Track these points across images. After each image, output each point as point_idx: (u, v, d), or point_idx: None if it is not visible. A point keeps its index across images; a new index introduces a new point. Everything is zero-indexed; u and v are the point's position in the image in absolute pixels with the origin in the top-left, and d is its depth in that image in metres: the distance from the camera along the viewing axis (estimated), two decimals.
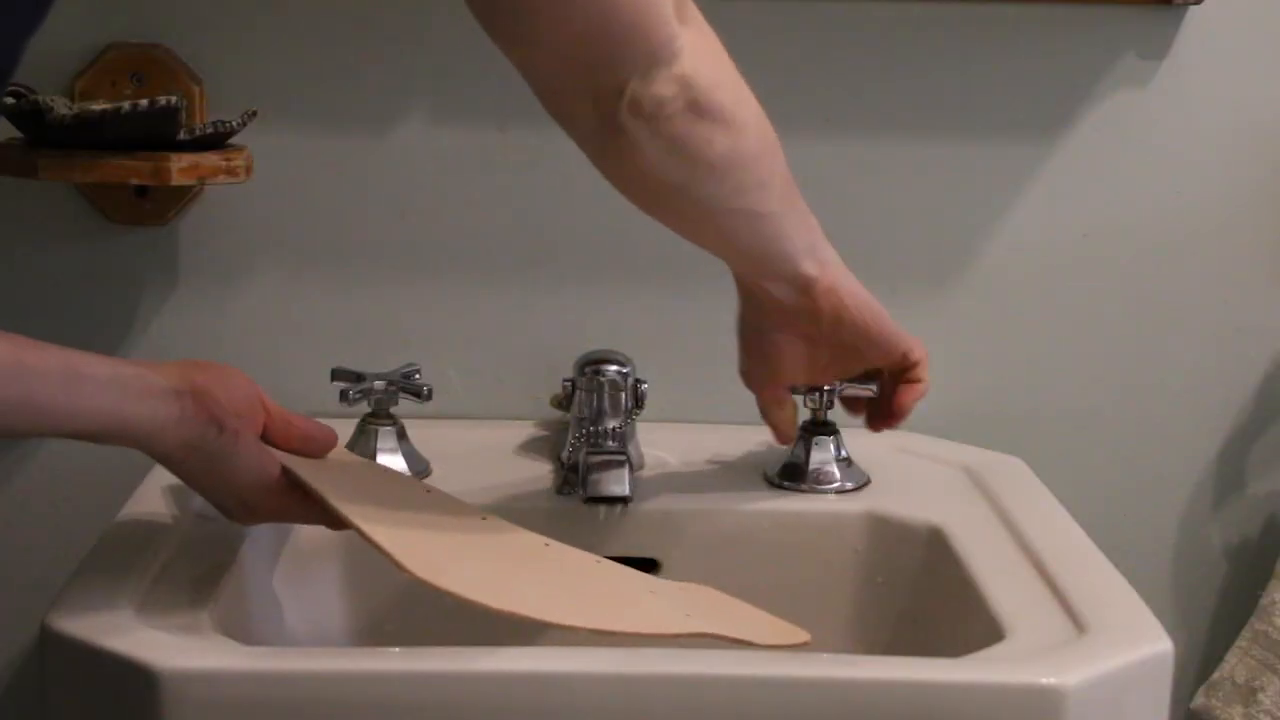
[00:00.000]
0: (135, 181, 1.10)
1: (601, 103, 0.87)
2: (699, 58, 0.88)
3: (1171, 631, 0.85)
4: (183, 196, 1.19)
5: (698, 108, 0.87)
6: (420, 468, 1.09)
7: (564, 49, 0.86)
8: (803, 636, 0.92)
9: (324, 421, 0.92)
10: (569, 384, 1.09)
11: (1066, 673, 0.77)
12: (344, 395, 1.05)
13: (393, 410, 1.09)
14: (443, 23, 1.17)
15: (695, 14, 0.90)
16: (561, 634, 0.82)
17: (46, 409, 0.76)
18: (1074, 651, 0.81)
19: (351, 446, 1.07)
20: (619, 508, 1.04)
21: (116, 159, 1.08)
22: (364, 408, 1.08)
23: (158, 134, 1.07)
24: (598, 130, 0.89)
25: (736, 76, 0.91)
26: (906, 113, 1.20)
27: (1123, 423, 1.25)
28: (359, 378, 1.07)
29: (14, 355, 0.75)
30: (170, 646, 0.78)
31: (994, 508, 1.05)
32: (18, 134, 1.12)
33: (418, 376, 1.09)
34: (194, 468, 0.83)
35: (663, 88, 0.86)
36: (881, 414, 1.07)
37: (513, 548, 0.91)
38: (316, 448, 0.90)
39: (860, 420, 1.10)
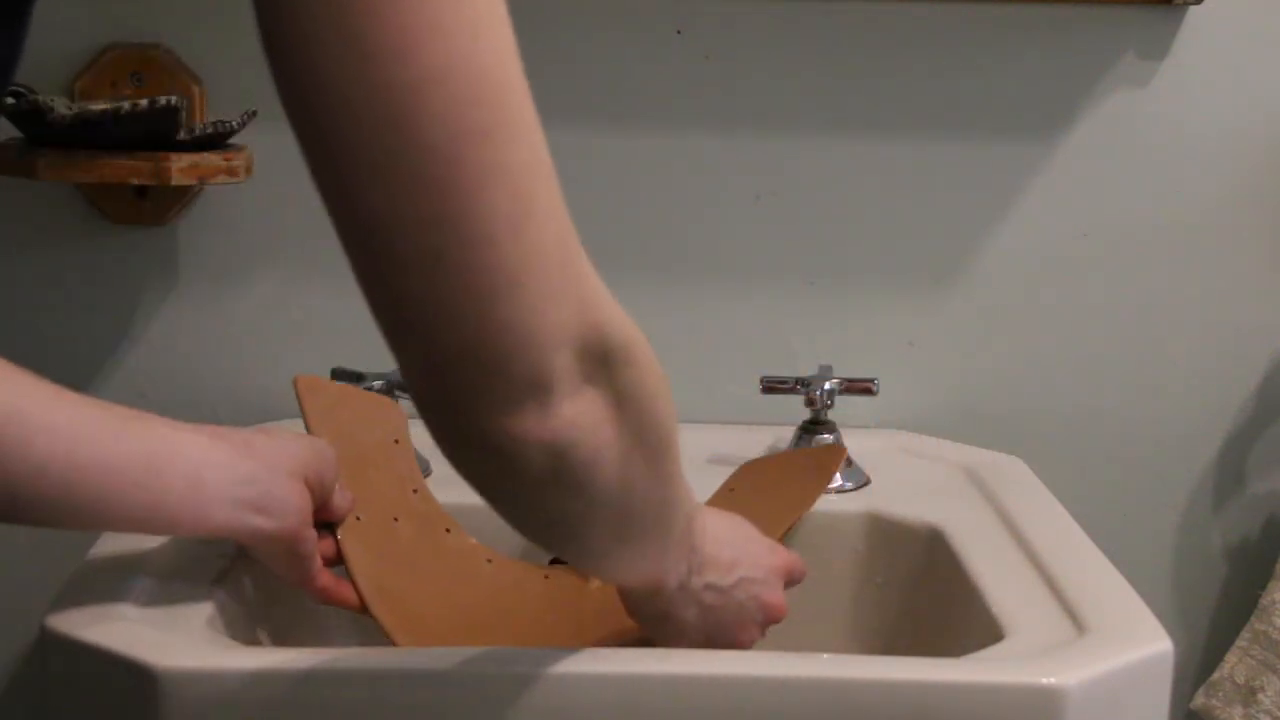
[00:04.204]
0: (135, 181, 1.10)
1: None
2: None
3: (1171, 631, 0.85)
4: (182, 196, 1.19)
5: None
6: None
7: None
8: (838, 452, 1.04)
9: None
10: None
11: (1066, 673, 0.77)
12: None
13: None
14: None
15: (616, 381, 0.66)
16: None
17: (174, 520, 0.79)
18: (1074, 651, 0.81)
19: None
20: None
21: (116, 159, 1.08)
22: None
23: (158, 134, 1.07)
24: None
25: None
26: (906, 113, 1.20)
27: (1123, 423, 1.25)
28: (359, 377, 1.07)
29: (146, 460, 0.76)
30: (170, 646, 0.78)
31: (994, 508, 1.05)
32: (18, 134, 1.12)
33: None
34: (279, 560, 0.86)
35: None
36: None
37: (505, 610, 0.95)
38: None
39: (860, 421, 1.10)
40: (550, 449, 0.63)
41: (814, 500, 1.05)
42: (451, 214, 0.58)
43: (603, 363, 0.64)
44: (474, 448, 0.64)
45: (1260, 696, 1.15)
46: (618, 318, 0.66)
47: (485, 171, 0.58)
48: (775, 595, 0.88)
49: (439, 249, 0.58)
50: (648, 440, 0.69)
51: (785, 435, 1.15)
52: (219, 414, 1.21)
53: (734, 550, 0.85)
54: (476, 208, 0.58)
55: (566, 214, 0.62)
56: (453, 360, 0.61)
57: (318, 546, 0.86)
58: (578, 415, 0.63)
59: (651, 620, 0.84)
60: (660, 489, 0.72)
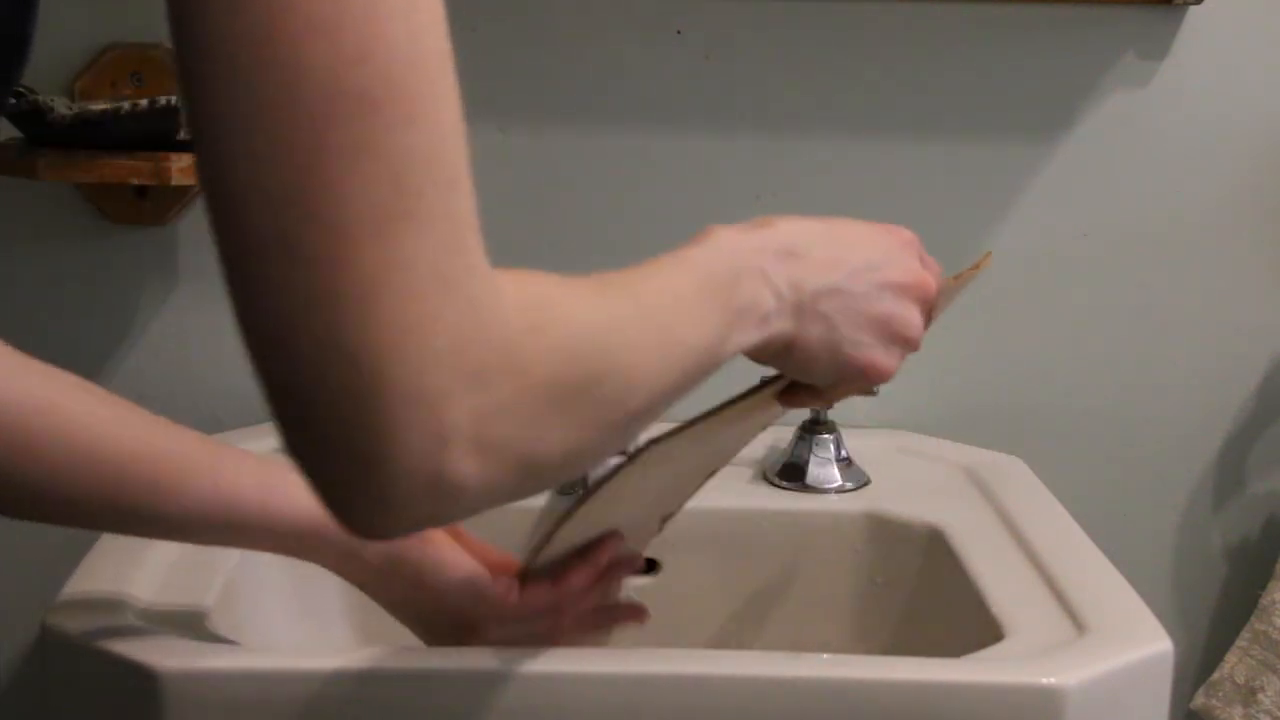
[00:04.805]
0: (135, 181, 1.10)
1: None
2: None
3: (1171, 631, 0.85)
4: (182, 196, 1.19)
5: None
6: None
7: None
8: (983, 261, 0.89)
9: None
10: None
11: (1066, 673, 0.77)
12: None
13: None
14: None
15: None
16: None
17: (243, 522, 0.75)
18: (1074, 651, 0.81)
19: None
20: None
21: (116, 159, 1.08)
22: None
23: (158, 134, 1.07)
24: None
25: None
26: (906, 113, 1.20)
27: (1123, 423, 1.25)
28: None
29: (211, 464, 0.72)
30: (170, 646, 0.78)
31: (994, 508, 1.05)
32: (18, 134, 1.12)
33: None
34: (398, 583, 0.80)
35: None
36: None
37: None
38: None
39: (859, 421, 1.10)
40: (472, 495, 0.54)
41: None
42: (311, 190, 0.50)
43: (509, 371, 0.54)
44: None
45: (1260, 696, 1.15)
46: (507, 302, 0.56)
47: (360, 149, 0.50)
48: (907, 270, 0.76)
49: (293, 236, 0.50)
50: (601, 378, 0.59)
51: (785, 435, 1.15)
52: (219, 414, 1.21)
53: (830, 245, 0.75)
54: (341, 190, 0.50)
55: (470, 230, 0.55)
56: (312, 405, 0.51)
57: None
58: (485, 454, 0.53)
59: (780, 360, 0.73)
60: (653, 364, 0.63)
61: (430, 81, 0.52)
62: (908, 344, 0.76)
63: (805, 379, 0.76)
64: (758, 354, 0.72)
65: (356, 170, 0.50)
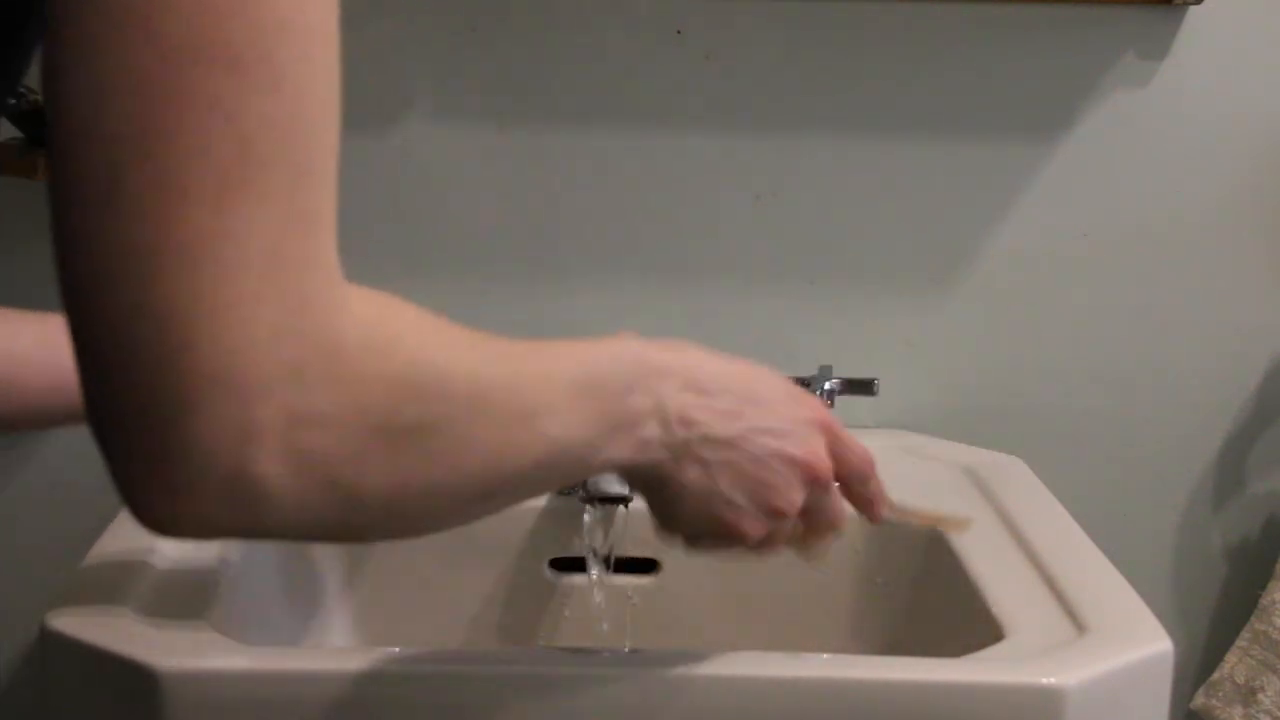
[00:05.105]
0: None
1: None
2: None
3: (1171, 631, 0.85)
4: None
5: None
6: None
7: None
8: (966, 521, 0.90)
9: None
10: None
11: (1066, 673, 0.77)
12: None
13: None
14: (442, 23, 1.17)
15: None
16: (563, 634, 0.82)
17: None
18: (1074, 651, 0.81)
19: None
20: (619, 507, 1.04)
21: None
22: None
23: None
24: None
25: None
26: (907, 113, 1.20)
27: (1123, 423, 1.25)
28: None
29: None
30: (170, 646, 0.78)
31: (994, 508, 1.05)
32: (18, 134, 1.12)
33: None
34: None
35: None
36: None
37: None
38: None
39: (860, 421, 1.10)
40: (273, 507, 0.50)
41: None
42: (151, 132, 0.46)
43: (331, 379, 0.51)
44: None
45: (1260, 696, 1.15)
46: (350, 312, 0.53)
47: (212, 102, 0.47)
48: (807, 448, 0.71)
49: (122, 177, 0.46)
50: (430, 410, 0.56)
51: None
52: None
53: (738, 396, 0.70)
54: (183, 140, 0.46)
55: (321, 227, 0.52)
56: (116, 368, 0.48)
57: None
58: (292, 462, 0.50)
59: (652, 491, 0.70)
60: (495, 434, 0.58)
61: (305, 58, 0.50)
62: (779, 518, 0.71)
63: (667, 519, 0.71)
64: (630, 476, 0.69)
65: (203, 123, 0.47)
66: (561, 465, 0.62)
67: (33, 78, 1.12)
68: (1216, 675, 1.18)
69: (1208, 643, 1.27)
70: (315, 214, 0.51)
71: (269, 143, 0.48)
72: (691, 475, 0.68)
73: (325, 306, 0.51)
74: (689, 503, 0.69)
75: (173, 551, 0.92)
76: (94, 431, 0.50)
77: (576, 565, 1.06)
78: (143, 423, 0.48)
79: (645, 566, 1.07)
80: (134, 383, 0.48)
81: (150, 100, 0.46)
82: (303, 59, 0.49)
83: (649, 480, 0.69)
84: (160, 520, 0.51)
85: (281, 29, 0.48)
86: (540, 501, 1.06)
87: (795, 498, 0.71)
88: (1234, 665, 1.17)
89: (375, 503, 0.54)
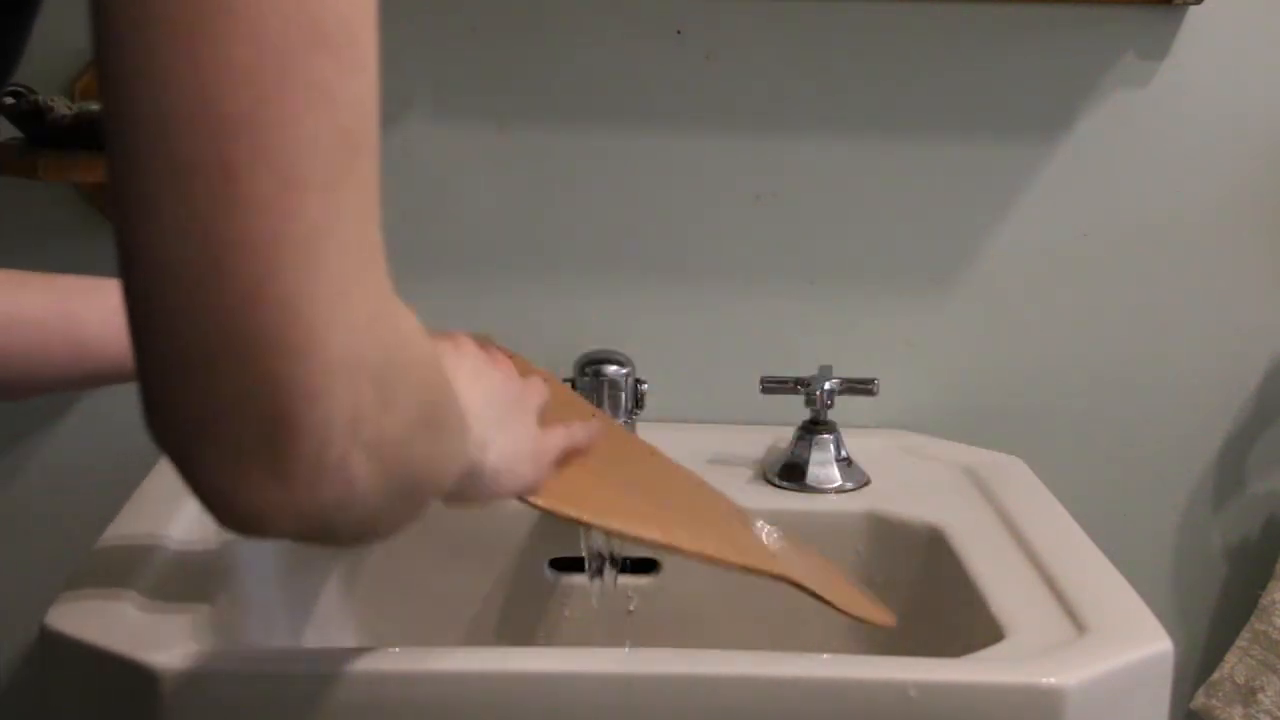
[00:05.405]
0: None
1: None
2: None
3: (1171, 631, 0.85)
4: None
5: None
6: None
7: None
8: (888, 619, 0.88)
9: None
10: (569, 384, 1.09)
11: (1066, 673, 0.77)
12: None
13: None
14: (442, 23, 1.17)
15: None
16: (563, 634, 0.82)
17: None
18: (1074, 651, 0.81)
19: None
20: None
21: None
22: None
23: None
24: None
25: None
26: (906, 113, 1.20)
27: (1123, 423, 1.25)
28: None
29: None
30: (170, 646, 0.78)
31: (994, 508, 1.05)
32: (18, 134, 1.12)
33: None
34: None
35: None
36: None
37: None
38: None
39: (860, 421, 1.10)
40: (313, 520, 0.50)
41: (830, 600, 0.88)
42: (265, 125, 0.45)
43: (402, 365, 0.51)
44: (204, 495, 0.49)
45: (1260, 696, 1.15)
46: (402, 325, 0.53)
47: (320, 89, 0.46)
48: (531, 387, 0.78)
49: (236, 168, 0.45)
50: (431, 420, 0.56)
51: (785, 435, 1.15)
52: None
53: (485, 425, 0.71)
54: (296, 130, 0.46)
55: (378, 209, 0.50)
56: (218, 348, 0.46)
57: None
58: (373, 451, 0.50)
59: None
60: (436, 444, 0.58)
61: (372, 37, 0.49)
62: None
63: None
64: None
65: (313, 112, 0.46)
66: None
67: (33, 78, 1.13)
68: (1216, 675, 1.19)
69: (1208, 643, 1.27)
70: (377, 196, 0.50)
71: (361, 128, 0.48)
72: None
73: (391, 292, 0.51)
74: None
75: (173, 552, 0.92)
76: (167, 430, 0.48)
77: (576, 565, 1.06)
78: (254, 412, 0.47)
79: (645, 566, 1.07)
80: (248, 372, 0.46)
81: (263, 93, 0.45)
82: (370, 38, 0.48)
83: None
84: (251, 516, 0.49)
85: (356, 8, 0.47)
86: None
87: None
88: (1234, 665, 1.17)
89: (405, 495, 0.55)
